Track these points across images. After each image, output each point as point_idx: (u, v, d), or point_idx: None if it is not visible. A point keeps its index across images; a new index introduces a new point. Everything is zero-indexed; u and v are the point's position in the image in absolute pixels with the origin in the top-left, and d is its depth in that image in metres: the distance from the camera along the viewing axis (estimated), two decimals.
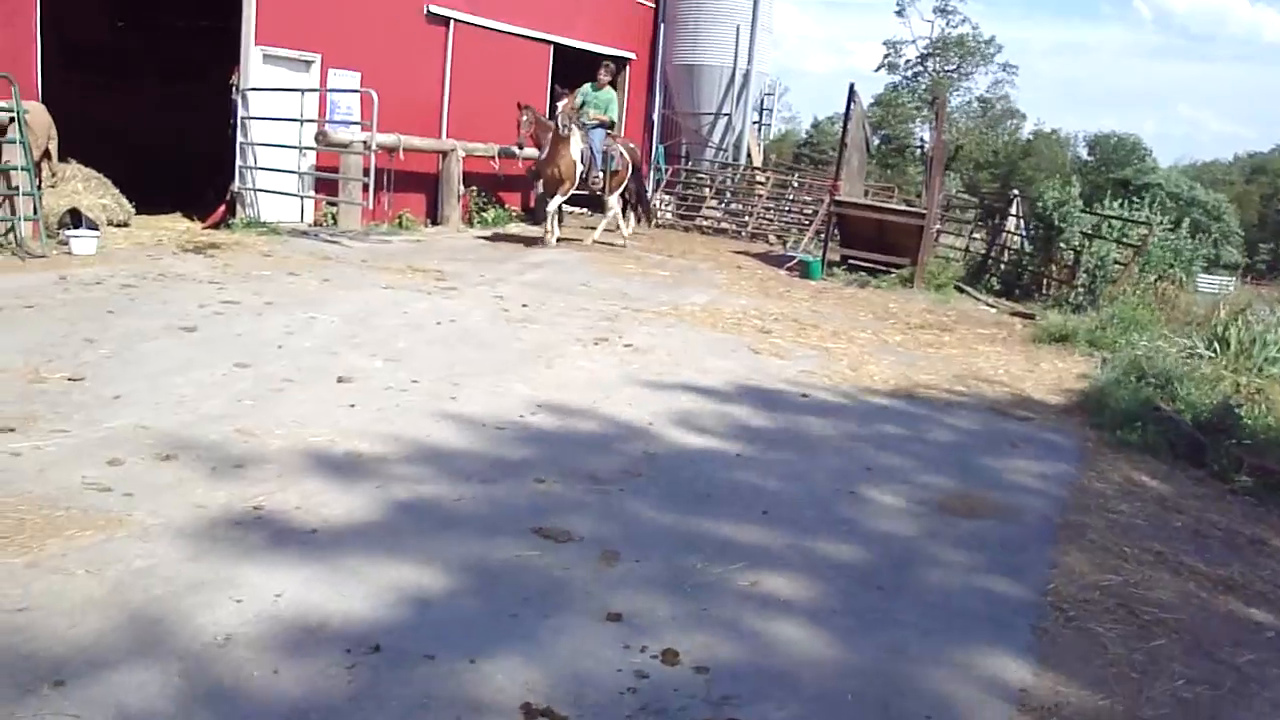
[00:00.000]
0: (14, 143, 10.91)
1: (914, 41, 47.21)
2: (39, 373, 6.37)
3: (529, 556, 4.30)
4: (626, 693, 3.31)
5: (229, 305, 8.84)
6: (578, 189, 15.70)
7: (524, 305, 10.22)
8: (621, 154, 15.94)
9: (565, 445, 5.96)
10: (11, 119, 10.95)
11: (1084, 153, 66.55)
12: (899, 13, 47.46)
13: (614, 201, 16.21)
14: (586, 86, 15.57)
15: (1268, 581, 5.15)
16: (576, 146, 15.04)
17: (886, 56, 48.13)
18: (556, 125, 14.72)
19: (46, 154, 11.55)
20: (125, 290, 9.13)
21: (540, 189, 15.69)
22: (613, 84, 16.24)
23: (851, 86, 16.09)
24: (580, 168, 15.11)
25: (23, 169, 10.83)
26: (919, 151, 48.08)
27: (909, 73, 47.13)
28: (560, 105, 14.90)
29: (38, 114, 11.33)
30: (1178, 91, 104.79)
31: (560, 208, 15.93)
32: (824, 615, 4.05)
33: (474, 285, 11.21)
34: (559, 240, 15.88)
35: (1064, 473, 6.57)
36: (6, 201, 11.03)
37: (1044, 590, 4.58)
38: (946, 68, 46.09)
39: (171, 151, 17.28)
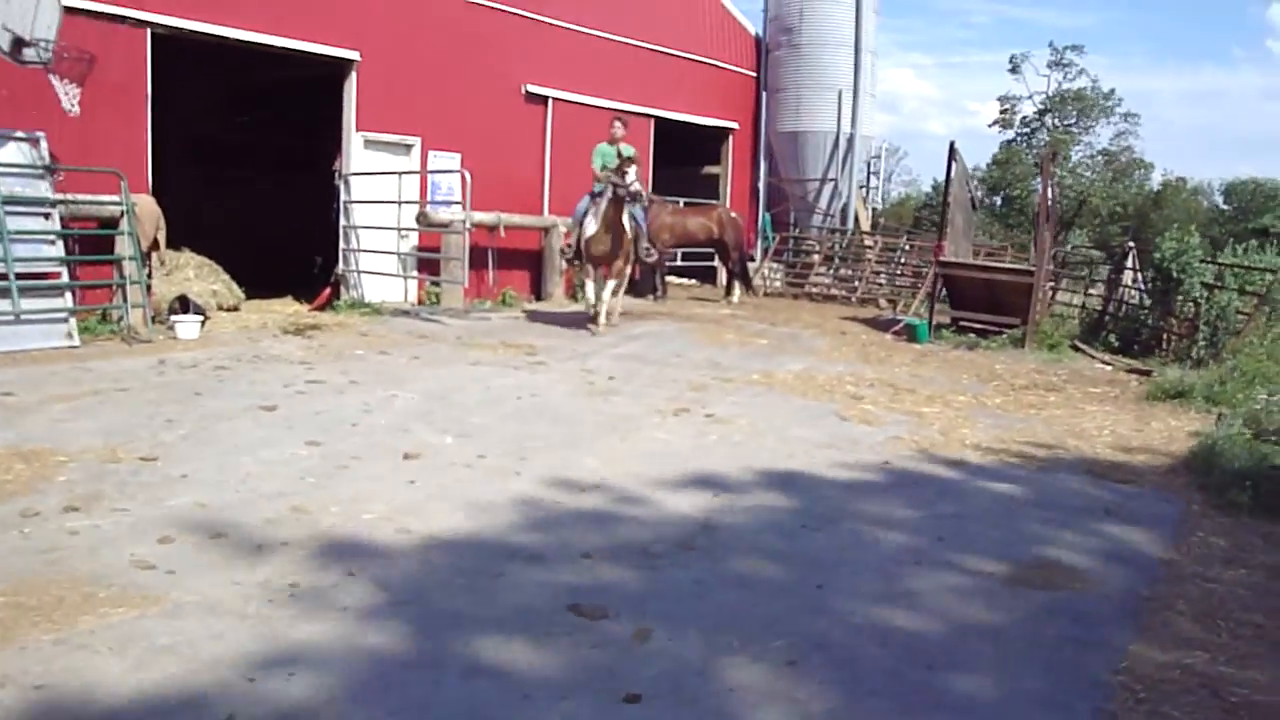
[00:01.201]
0: (124, 234, 11.39)
1: (1030, 97, 46.36)
2: (115, 453, 6.50)
3: (558, 638, 4.10)
4: None
5: (313, 385, 8.96)
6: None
7: (610, 378, 10.13)
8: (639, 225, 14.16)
9: (619, 520, 5.77)
10: (123, 212, 11.45)
11: (1220, 201, 64.05)
12: (1013, 70, 46.71)
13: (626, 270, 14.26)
14: (602, 146, 13.68)
15: None
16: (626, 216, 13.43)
17: (1002, 113, 47.32)
18: (619, 193, 12.90)
19: (155, 244, 12.01)
20: (217, 372, 9.34)
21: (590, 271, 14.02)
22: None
23: (952, 145, 15.77)
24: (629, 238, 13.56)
25: (131, 259, 11.27)
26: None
27: (1026, 129, 46.18)
28: (600, 170, 13.41)
29: (146, 206, 11.81)
30: None
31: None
32: (861, 696, 3.75)
33: (564, 360, 11.18)
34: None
35: (1160, 539, 6.08)
36: (119, 290, 11.49)
37: (1116, 669, 4.16)
38: (1065, 122, 44.97)
39: (285, 238, 17.88)
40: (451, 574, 4.77)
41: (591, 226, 13.20)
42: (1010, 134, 47.32)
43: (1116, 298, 16.74)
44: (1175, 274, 14.32)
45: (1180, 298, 14.44)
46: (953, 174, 15.95)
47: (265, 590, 4.44)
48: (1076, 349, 14.78)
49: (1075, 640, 4.47)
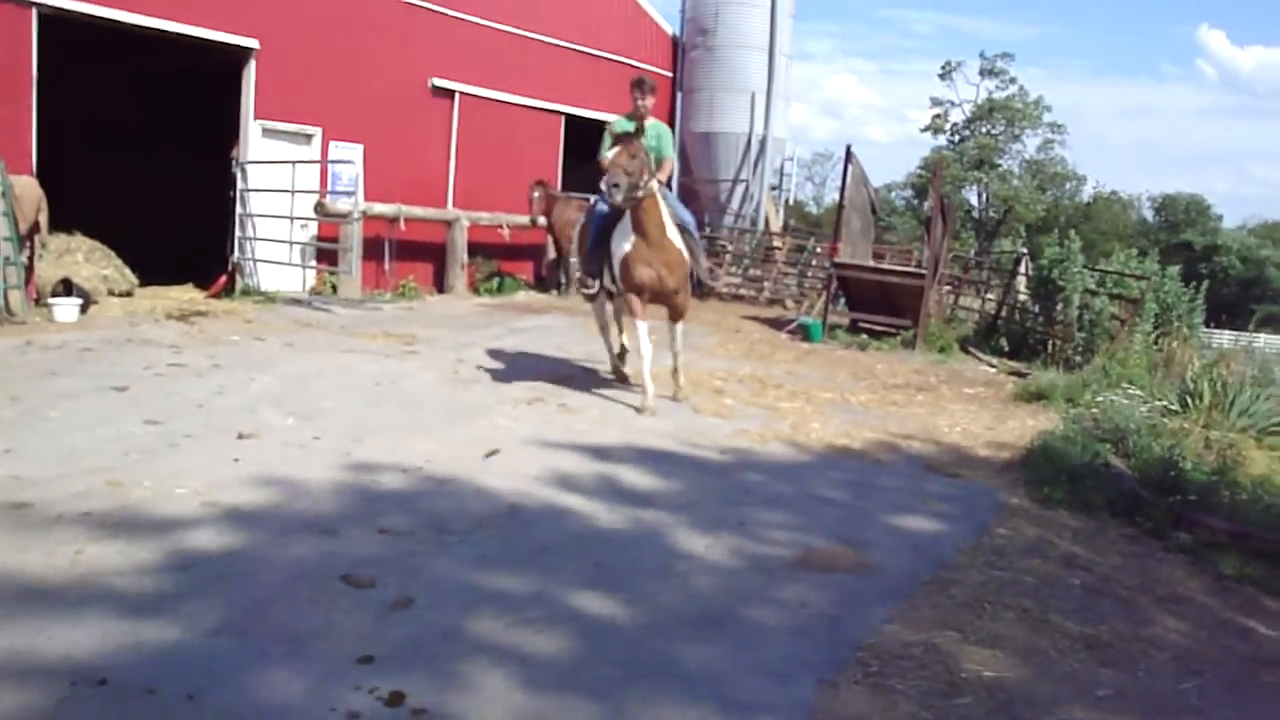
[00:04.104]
0: (2, 215, 11.37)
1: (960, 105, 47.15)
2: None
3: (318, 602, 4.30)
4: None
5: (175, 368, 9.06)
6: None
7: (478, 368, 10.31)
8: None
9: (431, 498, 5.97)
10: (3, 193, 11.42)
11: (1149, 215, 65.58)
12: (943, 76, 47.50)
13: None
14: (618, 119, 9.36)
15: (1141, 640, 4.88)
16: (670, 221, 8.97)
17: (935, 119, 48.04)
18: (635, 183, 8.42)
19: (36, 226, 11.98)
20: (81, 354, 9.40)
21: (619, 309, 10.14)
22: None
23: (848, 149, 16.15)
24: (685, 254, 9.15)
25: (7, 239, 11.26)
26: (969, 215, 47.76)
27: (956, 137, 46.96)
28: (610, 155, 8.59)
29: (27, 187, 11.80)
30: (1249, 151, 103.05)
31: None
32: (579, 667, 3.97)
33: (441, 350, 11.34)
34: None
35: (966, 529, 6.36)
36: None
37: (858, 646, 4.42)
38: (993, 130, 45.83)
39: (187, 225, 17.84)
40: (239, 543, 4.94)
41: (627, 243, 8.90)
42: (941, 140, 48.12)
43: (1009, 303, 17.23)
44: (1057, 280, 14.83)
45: (1061, 304, 14.95)
46: (849, 177, 16.32)
47: (46, 556, 4.58)
48: (967, 351, 15.21)
49: (830, 619, 4.68)
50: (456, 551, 5.10)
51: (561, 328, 14.18)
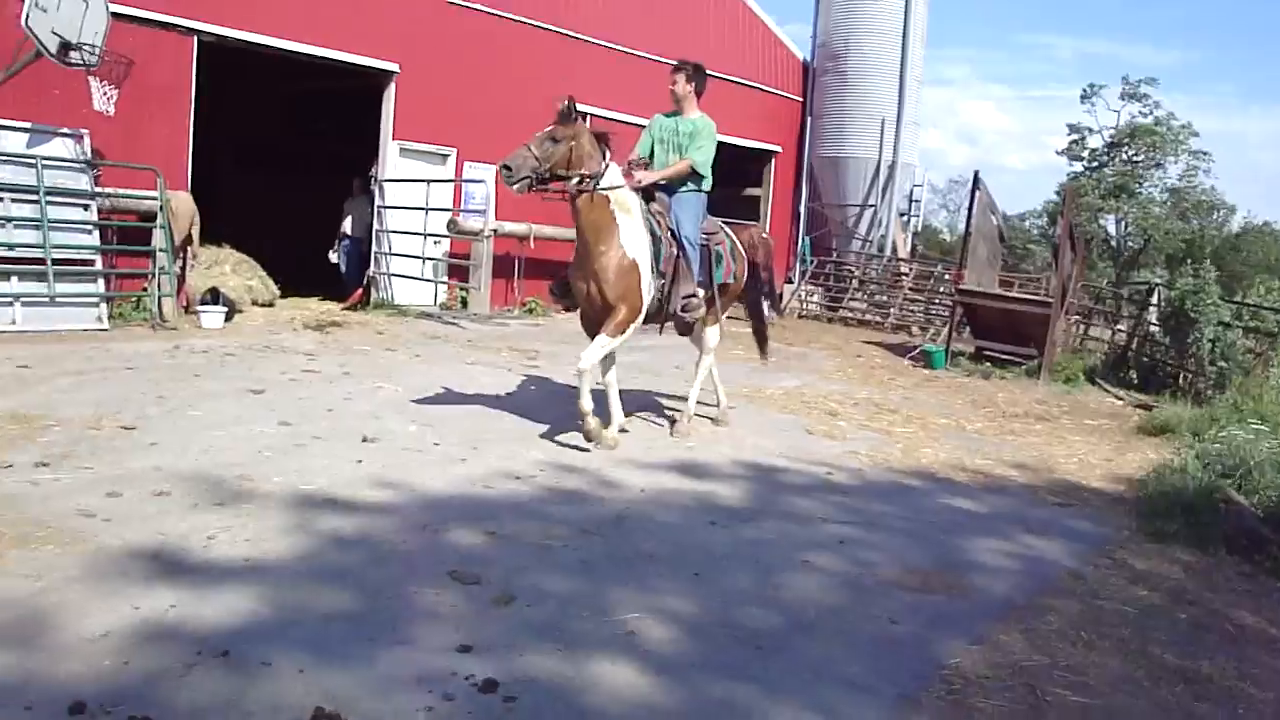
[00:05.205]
0: (159, 228, 12.13)
1: (1099, 131, 45.69)
2: (100, 421, 7.11)
3: (425, 594, 4.54)
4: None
5: (308, 374, 9.54)
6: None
7: (596, 383, 10.52)
8: (736, 247, 8.82)
9: (539, 504, 6.19)
10: (160, 207, 12.19)
11: None
12: (1084, 99, 46.08)
13: (713, 336, 9.17)
14: (658, 117, 8.45)
15: (1244, 679, 4.74)
16: (633, 228, 7.61)
17: (1072, 143, 46.62)
18: (547, 171, 7.26)
19: (189, 238, 12.73)
20: (224, 358, 9.98)
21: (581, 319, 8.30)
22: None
23: (976, 175, 15.99)
24: (648, 277, 7.69)
25: (163, 250, 12.01)
26: (1105, 244, 46.30)
27: (1094, 163, 45.49)
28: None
29: (182, 202, 12.56)
30: None
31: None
32: (667, 668, 4.09)
33: (562, 365, 11.60)
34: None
35: (1070, 558, 6.29)
36: (152, 280, 12.24)
37: (943, 664, 4.45)
38: (1134, 157, 44.22)
39: (327, 240, 18.63)
40: (356, 537, 5.23)
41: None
42: (1078, 166, 46.70)
43: (1139, 335, 16.78)
44: (1189, 312, 14.40)
45: (1193, 336, 14.51)
46: (976, 203, 16.15)
47: (181, 539, 4.94)
48: (1093, 383, 14.87)
49: (918, 636, 4.72)
50: (560, 555, 5.30)
51: (682, 346, 14.31)
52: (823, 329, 20.22)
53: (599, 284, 7.50)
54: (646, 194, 8.00)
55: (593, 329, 7.83)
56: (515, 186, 7.18)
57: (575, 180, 7.32)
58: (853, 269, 23.16)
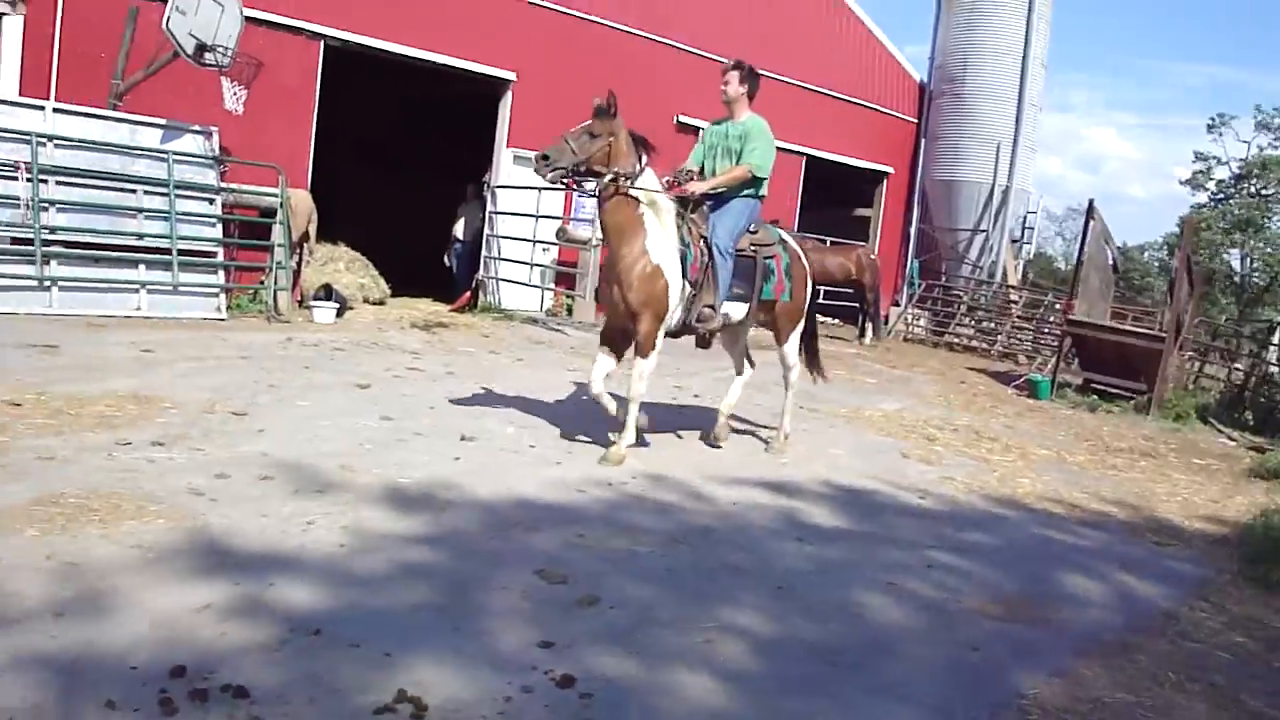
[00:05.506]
0: (278, 223, 12.57)
1: (1226, 162, 44.06)
2: (214, 406, 7.42)
3: (511, 590, 4.65)
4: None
5: (412, 371, 9.79)
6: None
7: (695, 395, 10.61)
8: (798, 265, 8.34)
9: (629, 511, 6.26)
10: (281, 204, 12.63)
11: None
12: (1211, 129, 44.45)
13: (792, 355, 8.75)
14: (708, 126, 8.26)
15: None
16: (662, 234, 7.33)
17: (1197, 173, 44.99)
18: (581, 165, 7.15)
19: (306, 235, 13.16)
20: (333, 353, 10.29)
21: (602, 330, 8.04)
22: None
23: (1090, 204, 15.66)
24: (674, 285, 7.36)
25: (280, 246, 12.44)
26: (1229, 279, 44.73)
27: (1220, 195, 43.85)
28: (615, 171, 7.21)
29: (301, 200, 13.00)
30: None
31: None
32: (742, 677, 4.11)
33: (662, 376, 11.66)
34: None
35: (1164, 598, 6.12)
36: (270, 274, 12.69)
37: (1022, 694, 4.38)
38: (1264, 190, 42.51)
39: (440, 243, 19.07)
40: (448, 531, 5.37)
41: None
42: (1202, 197, 45.15)
43: (1258, 374, 16.21)
44: None
45: None
46: (1090, 232, 15.81)
47: (282, 522, 5.14)
48: (1205, 422, 14.41)
49: (998, 664, 4.64)
50: (646, 561, 5.36)
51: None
52: (927, 353, 19.97)
53: (622, 288, 7.26)
54: (695, 203, 7.77)
55: (613, 335, 7.69)
56: (549, 177, 7.08)
57: (609, 177, 7.17)
58: (961, 294, 22.81)
